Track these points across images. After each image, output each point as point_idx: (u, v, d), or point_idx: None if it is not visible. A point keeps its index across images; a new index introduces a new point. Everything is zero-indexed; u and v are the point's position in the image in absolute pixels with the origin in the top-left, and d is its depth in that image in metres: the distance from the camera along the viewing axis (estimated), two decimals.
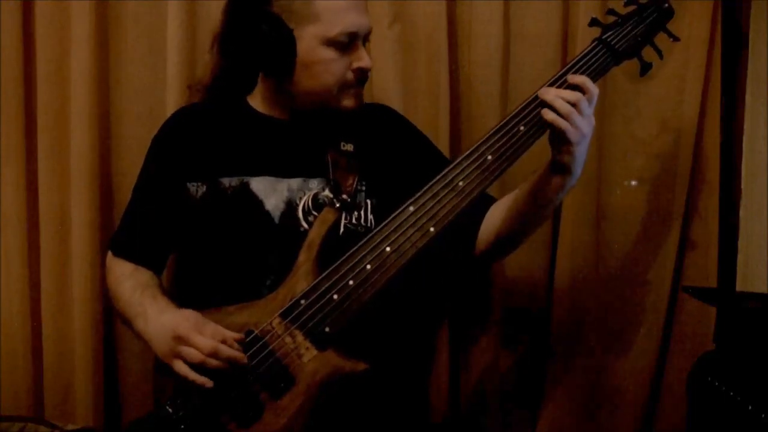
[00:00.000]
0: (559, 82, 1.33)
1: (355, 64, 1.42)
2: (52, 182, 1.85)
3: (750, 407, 1.38)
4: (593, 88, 1.31)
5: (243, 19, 1.42)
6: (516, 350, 1.91)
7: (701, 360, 1.58)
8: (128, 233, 1.53)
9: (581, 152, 1.32)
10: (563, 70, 1.35)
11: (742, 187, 1.85)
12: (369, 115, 1.57)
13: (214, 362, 1.28)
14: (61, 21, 1.82)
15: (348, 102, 1.45)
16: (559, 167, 1.34)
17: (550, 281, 1.89)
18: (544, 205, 1.41)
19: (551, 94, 1.30)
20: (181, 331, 1.29)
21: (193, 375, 1.28)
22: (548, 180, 1.36)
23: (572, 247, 1.85)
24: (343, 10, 1.38)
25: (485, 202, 1.49)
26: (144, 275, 1.47)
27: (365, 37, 1.44)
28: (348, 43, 1.40)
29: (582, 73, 1.34)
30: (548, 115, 1.29)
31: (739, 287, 1.85)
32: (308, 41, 1.39)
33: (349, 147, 1.50)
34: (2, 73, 1.80)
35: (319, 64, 1.40)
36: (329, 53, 1.40)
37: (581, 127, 1.29)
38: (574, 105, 1.29)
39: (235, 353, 1.29)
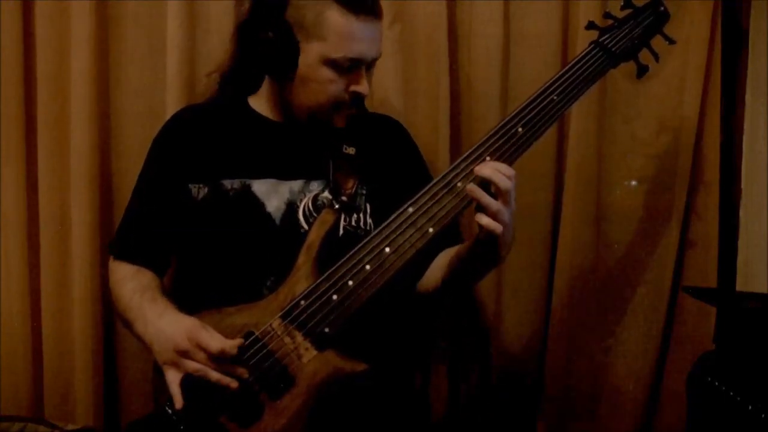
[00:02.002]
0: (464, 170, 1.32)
1: (352, 88, 1.41)
2: (52, 182, 1.85)
3: (750, 407, 1.38)
4: (502, 182, 1.29)
5: (258, 18, 1.42)
6: (515, 350, 1.91)
7: (701, 360, 1.58)
8: (129, 235, 1.52)
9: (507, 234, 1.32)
10: (538, 92, 1.36)
11: (742, 187, 1.85)
12: (375, 124, 1.57)
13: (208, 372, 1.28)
14: (61, 21, 1.82)
15: (338, 121, 1.45)
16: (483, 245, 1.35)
17: (550, 281, 1.89)
18: (481, 261, 1.43)
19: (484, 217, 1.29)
20: (182, 346, 1.29)
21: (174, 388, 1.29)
22: (476, 247, 1.37)
23: (572, 247, 1.85)
24: (351, 35, 1.37)
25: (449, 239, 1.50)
26: (145, 277, 1.46)
27: (371, 63, 1.43)
28: (350, 66, 1.39)
29: (581, 75, 1.37)
30: (483, 219, 1.28)
31: (739, 287, 1.85)
32: (311, 57, 1.38)
33: (351, 150, 1.50)
34: (2, 73, 1.80)
35: (316, 82, 1.40)
36: (328, 73, 1.39)
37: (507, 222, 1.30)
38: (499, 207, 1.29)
39: (224, 378, 1.29)
